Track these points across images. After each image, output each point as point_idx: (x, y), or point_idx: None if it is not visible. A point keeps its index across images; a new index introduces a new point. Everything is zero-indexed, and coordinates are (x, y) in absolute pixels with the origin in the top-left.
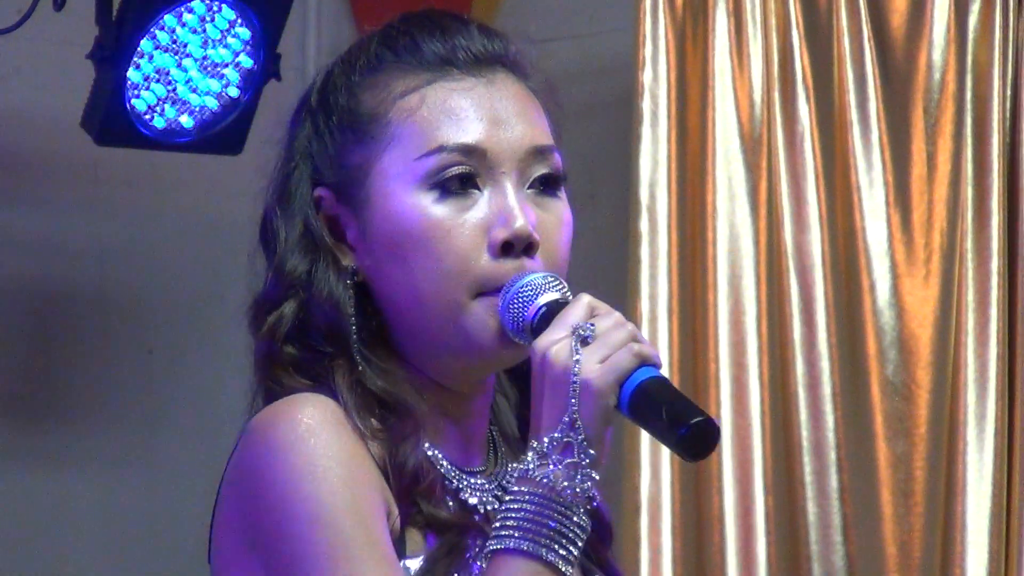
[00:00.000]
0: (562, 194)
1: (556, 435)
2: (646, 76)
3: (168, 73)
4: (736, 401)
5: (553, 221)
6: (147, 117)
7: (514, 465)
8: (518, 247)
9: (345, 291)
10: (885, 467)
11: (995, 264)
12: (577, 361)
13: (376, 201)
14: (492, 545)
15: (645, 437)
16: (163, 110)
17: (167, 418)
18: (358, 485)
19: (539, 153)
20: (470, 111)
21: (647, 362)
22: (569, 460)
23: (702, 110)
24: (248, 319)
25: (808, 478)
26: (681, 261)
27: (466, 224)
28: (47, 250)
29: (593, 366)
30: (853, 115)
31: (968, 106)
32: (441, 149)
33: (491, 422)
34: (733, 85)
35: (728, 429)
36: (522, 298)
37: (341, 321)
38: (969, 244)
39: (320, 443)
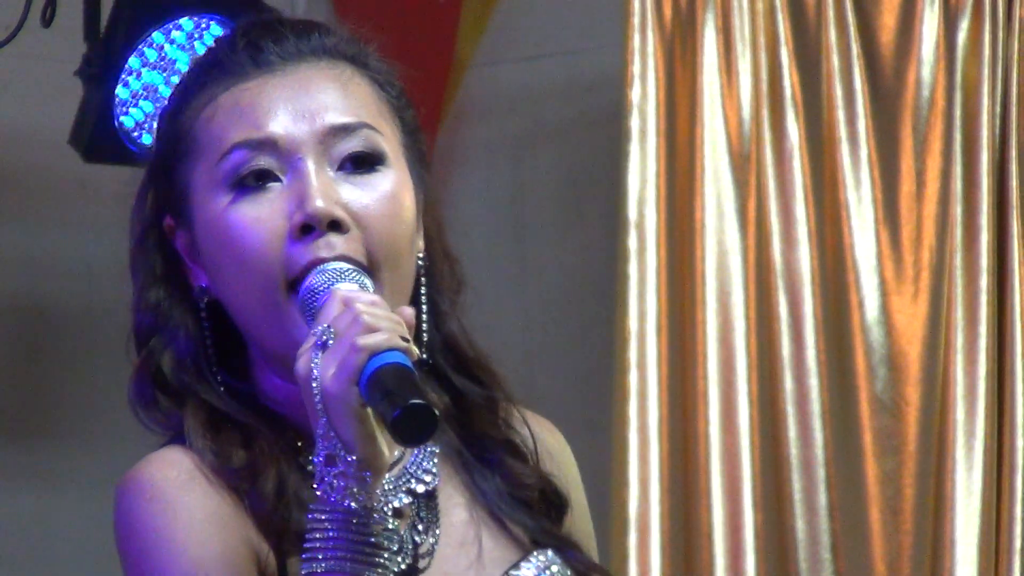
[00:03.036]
0: (385, 169)
1: (319, 451)
2: (634, 93)
3: (156, 90)
4: (725, 418)
5: (372, 196)
6: (135, 134)
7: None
8: (319, 227)
9: (190, 316)
10: (874, 484)
11: (984, 281)
12: (315, 373)
13: (196, 215)
14: (304, 569)
15: (633, 453)
16: (151, 127)
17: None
18: (206, 540)
19: (341, 131)
20: (260, 106)
21: (376, 352)
22: (336, 471)
23: (691, 127)
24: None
25: (797, 495)
26: (670, 278)
27: (266, 217)
28: (35, 267)
29: (328, 374)
30: (842, 132)
31: (957, 123)
32: (234, 149)
33: None
34: (722, 102)
35: (717, 446)
36: (314, 292)
37: (192, 349)
38: (958, 261)
39: (164, 506)
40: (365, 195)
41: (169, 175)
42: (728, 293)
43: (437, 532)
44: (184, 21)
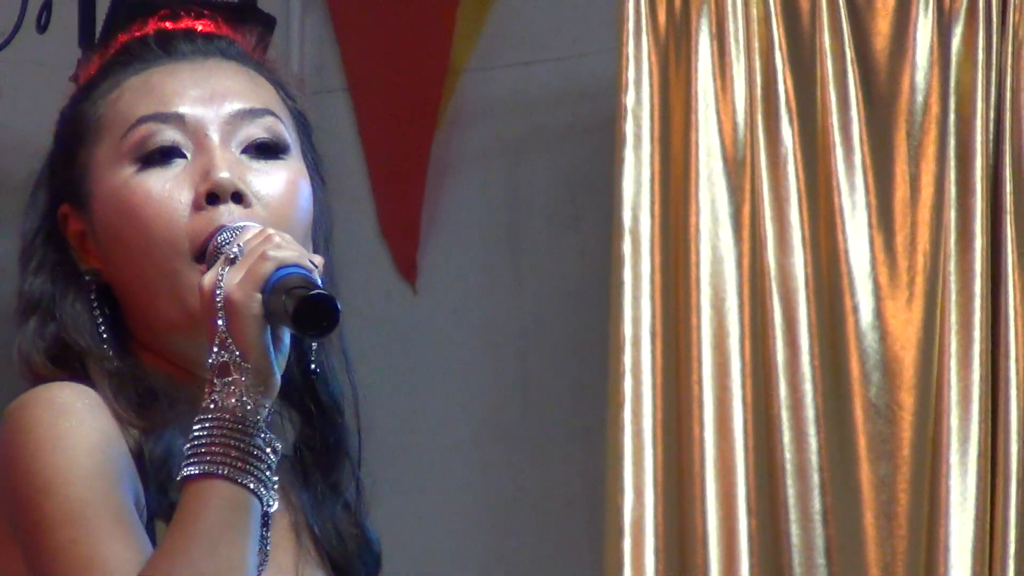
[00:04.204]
0: (288, 158)
1: (212, 358)
2: (629, 99)
3: None
4: (719, 423)
5: (275, 181)
6: None
7: None
8: (223, 197)
9: (80, 300)
10: (868, 489)
11: (978, 286)
12: (220, 281)
13: (95, 193)
14: (178, 476)
15: (628, 459)
16: None
17: None
18: (105, 460)
19: (247, 115)
20: (170, 85)
21: (284, 264)
22: (228, 379)
23: (685, 133)
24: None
25: (791, 500)
26: (664, 284)
27: (172, 189)
28: None
29: (233, 281)
30: (836, 137)
31: (951, 128)
32: (140, 122)
33: None
34: (716, 108)
35: (711, 451)
36: (220, 247)
37: (83, 330)
38: (952, 266)
39: (71, 421)
40: (267, 179)
41: (68, 161)
42: (722, 298)
43: (266, 559)
44: None
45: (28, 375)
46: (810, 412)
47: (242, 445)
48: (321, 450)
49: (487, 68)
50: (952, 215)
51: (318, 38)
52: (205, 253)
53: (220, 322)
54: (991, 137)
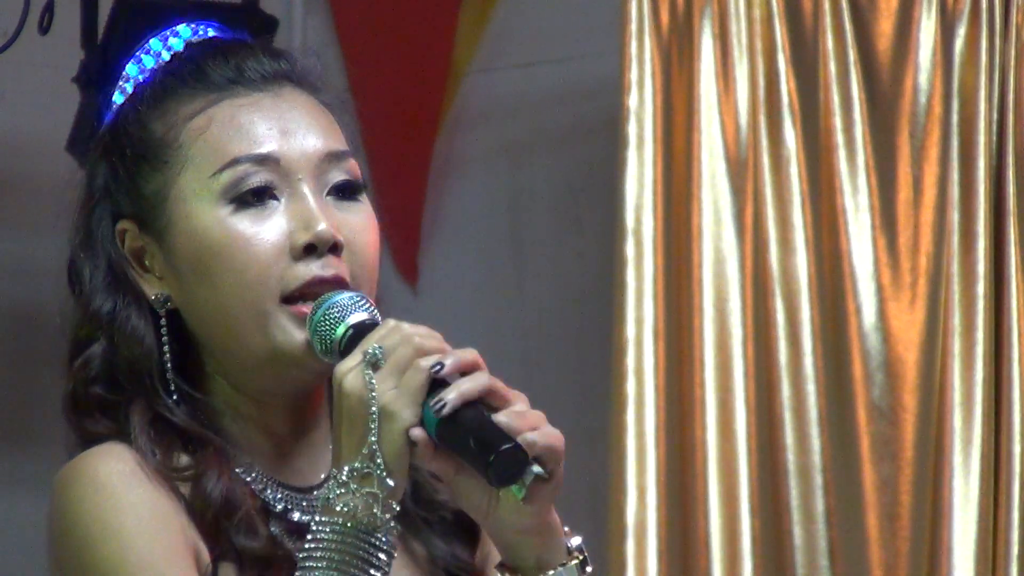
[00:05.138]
0: (364, 199)
1: (356, 465)
2: (632, 100)
3: None
4: (722, 424)
5: (357, 224)
6: None
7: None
8: (321, 249)
9: (147, 324)
10: (871, 491)
11: (981, 288)
12: (371, 389)
13: (177, 224)
14: (298, 572)
15: (631, 460)
16: None
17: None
18: (154, 534)
19: (334, 158)
20: (259, 123)
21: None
22: (368, 490)
23: (688, 134)
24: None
25: (794, 502)
26: (667, 285)
27: (267, 232)
28: (32, 274)
29: (387, 393)
30: (839, 139)
31: (954, 130)
32: (234, 162)
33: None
34: (719, 109)
35: (714, 452)
36: (328, 320)
37: (143, 355)
38: (955, 268)
39: (112, 499)
40: (352, 223)
41: (135, 180)
42: (725, 299)
43: None
44: (181, 28)
45: (71, 418)
46: (813, 413)
47: (365, 555)
48: None
49: (489, 69)
50: (955, 216)
51: (320, 40)
52: (292, 301)
53: (372, 437)
54: (994, 138)
